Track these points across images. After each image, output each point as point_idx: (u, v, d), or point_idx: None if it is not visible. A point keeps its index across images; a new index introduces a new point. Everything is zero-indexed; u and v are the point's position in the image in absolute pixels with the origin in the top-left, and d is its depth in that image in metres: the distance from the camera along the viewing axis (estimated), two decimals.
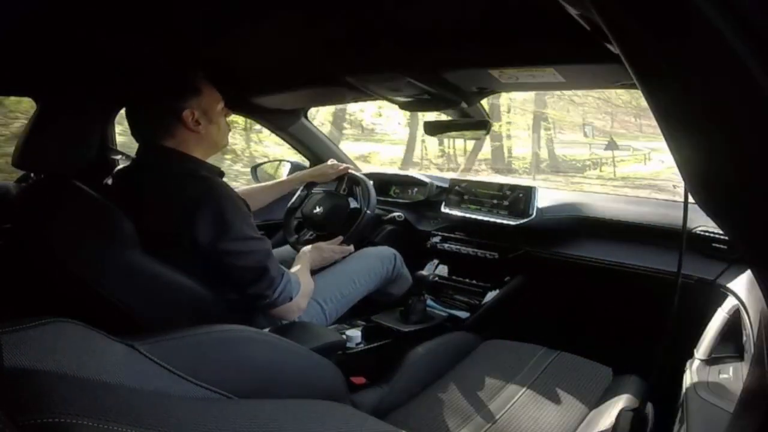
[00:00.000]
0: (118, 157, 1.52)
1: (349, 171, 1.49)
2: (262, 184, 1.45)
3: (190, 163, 0.97)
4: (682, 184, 0.37)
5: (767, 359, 0.34)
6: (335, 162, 1.54)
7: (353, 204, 1.42)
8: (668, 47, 0.28)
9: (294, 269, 1.14)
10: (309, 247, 1.26)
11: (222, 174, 1.03)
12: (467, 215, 1.50)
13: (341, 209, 1.42)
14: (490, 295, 1.48)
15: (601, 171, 13.48)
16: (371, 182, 1.45)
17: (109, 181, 1.03)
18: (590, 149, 15.85)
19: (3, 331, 0.42)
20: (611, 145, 13.01)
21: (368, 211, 1.37)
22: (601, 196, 1.51)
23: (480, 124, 1.30)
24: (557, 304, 1.41)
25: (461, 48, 0.91)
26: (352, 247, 1.33)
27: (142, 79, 0.98)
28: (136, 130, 0.99)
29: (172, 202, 0.90)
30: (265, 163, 2.04)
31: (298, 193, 1.52)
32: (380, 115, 9.69)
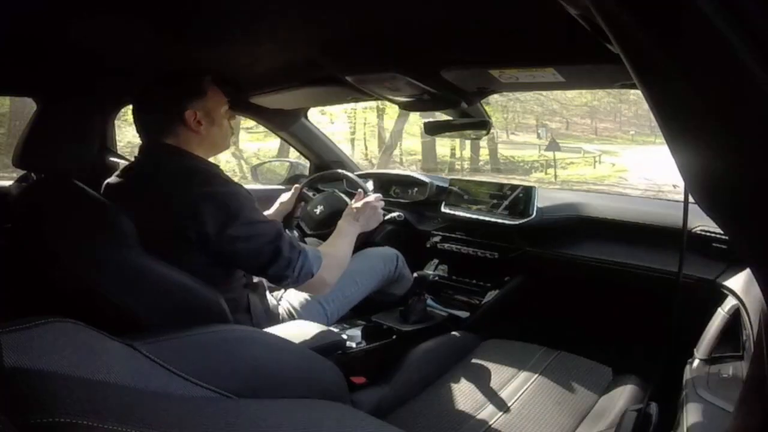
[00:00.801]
0: (117, 159, 1.52)
1: (298, 187, 1.45)
2: None
3: (191, 160, 0.98)
4: (681, 183, 0.37)
5: (767, 359, 0.34)
6: (281, 196, 1.46)
7: (347, 197, 1.42)
8: (668, 47, 0.28)
9: (328, 241, 1.13)
10: (353, 211, 1.20)
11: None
12: (467, 215, 1.50)
13: (336, 196, 1.42)
14: (490, 295, 1.48)
15: (545, 174, 13.34)
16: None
17: (113, 180, 1.03)
18: (539, 151, 15.72)
19: (3, 331, 0.42)
20: (552, 146, 12.86)
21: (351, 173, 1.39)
22: (601, 196, 1.51)
23: (480, 124, 1.30)
24: (557, 304, 1.41)
25: (461, 48, 0.91)
26: (379, 195, 1.26)
27: (150, 79, 0.99)
28: (141, 129, 1.01)
29: (176, 198, 0.91)
30: (265, 163, 2.04)
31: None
32: (323, 113, 9.72)
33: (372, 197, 1.23)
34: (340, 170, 1.51)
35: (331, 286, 1.07)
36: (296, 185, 1.46)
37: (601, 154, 15.52)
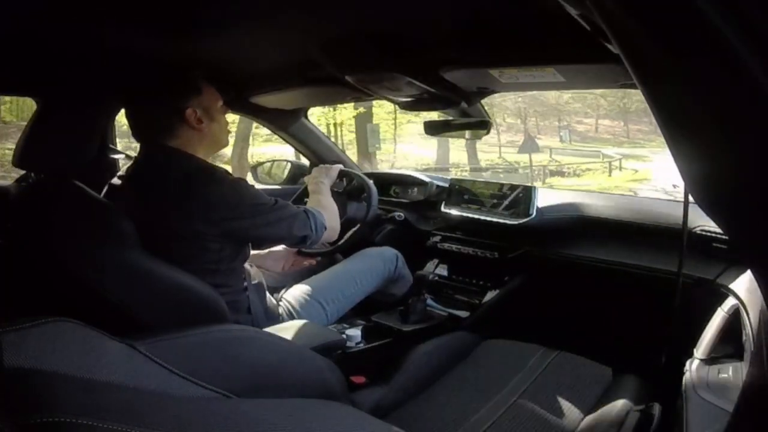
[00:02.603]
0: (118, 156, 1.52)
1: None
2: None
3: (192, 162, 0.98)
4: (682, 183, 0.37)
5: (767, 359, 0.34)
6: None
7: (350, 204, 1.43)
8: (668, 47, 0.28)
9: (311, 201, 1.22)
10: (314, 174, 1.34)
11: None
12: (467, 215, 1.50)
13: (340, 205, 1.42)
14: (490, 295, 1.48)
15: (543, 183, 11.94)
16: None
17: (115, 182, 1.03)
18: (551, 155, 14.97)
19: (3, 331, 0.42)
20: (527, 147, 11.83)
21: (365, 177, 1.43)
22: (601, 196, 1.51)
23: (480, 124, 1.30)
24: (557, 304, 1.41)
25: (461, 48, 0.91)
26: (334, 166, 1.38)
27: (144, 80, 0.98)
28: (137, 131, 1.00)
29: (184, 201, 0.91)
30: (264, 163, 2.04)
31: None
32: None
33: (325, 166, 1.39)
34: (351, 171, 1.50)
35: (338, 231, 1.21)
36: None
37: (622, 158, 14.28)
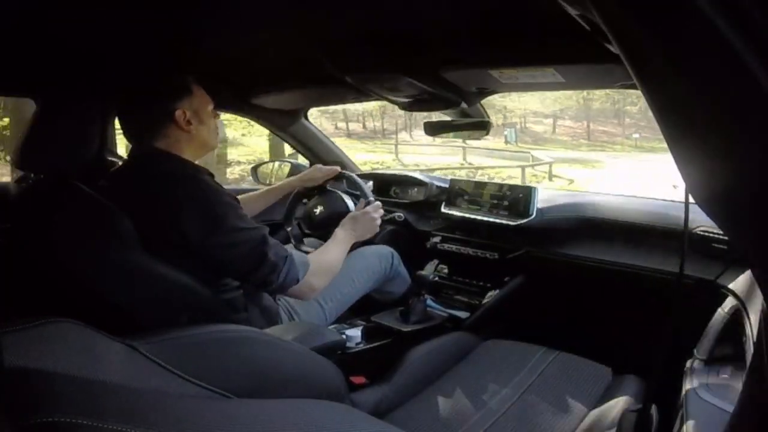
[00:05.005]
0: (116, 158, 1.52)
1: (340, 171, 1.44)
2: (251, 193, 1.41)
3: (179, 164, 0.98)
4: (682, 183, 0.37)
5: (767, 359, 0.34)
6: (321, 165, 1.48)
7: (347, 199, 1.41)
8: (668, 48, 0.28)
9: (323, 248, 1.12)
10: (350, 218, 1.20)
11: (211, 175, 1.04)
12: (467, 215, 1.50)
13: (336, 197, 1.40)
14: (490, 296, 1.48)
15: None
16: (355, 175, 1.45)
17: (103, 184, 1.03)
18: (464, 157, 13.19)
19: (3, 331, 0.42)
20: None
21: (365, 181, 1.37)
22: (601, 196, 1.51)
23: (480, 124, 1.30)
24: (557, 304, 1.41)
25: (461, 48, 0.91)
26: (379, 203, 1.26)
27: (136, 81, 0.99)
28: (128, 131, 1.01)
29: (162, 202, 0.91)
30: (264, 163, 2.04)
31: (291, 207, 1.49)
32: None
33: (371, 207, 1.22)
34: (345, 171, 1.50)
35: (318, 292, 1.07)
36: (334, 167, 1.44)
37: (553, 162, 11.98)
